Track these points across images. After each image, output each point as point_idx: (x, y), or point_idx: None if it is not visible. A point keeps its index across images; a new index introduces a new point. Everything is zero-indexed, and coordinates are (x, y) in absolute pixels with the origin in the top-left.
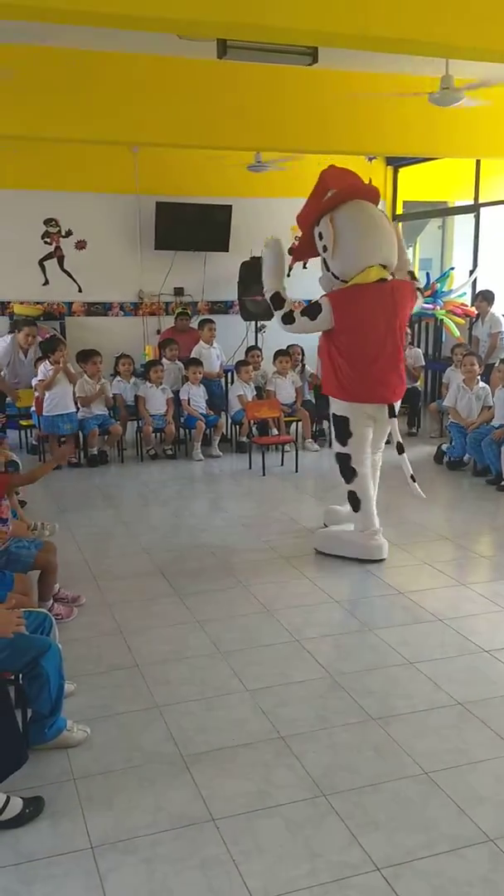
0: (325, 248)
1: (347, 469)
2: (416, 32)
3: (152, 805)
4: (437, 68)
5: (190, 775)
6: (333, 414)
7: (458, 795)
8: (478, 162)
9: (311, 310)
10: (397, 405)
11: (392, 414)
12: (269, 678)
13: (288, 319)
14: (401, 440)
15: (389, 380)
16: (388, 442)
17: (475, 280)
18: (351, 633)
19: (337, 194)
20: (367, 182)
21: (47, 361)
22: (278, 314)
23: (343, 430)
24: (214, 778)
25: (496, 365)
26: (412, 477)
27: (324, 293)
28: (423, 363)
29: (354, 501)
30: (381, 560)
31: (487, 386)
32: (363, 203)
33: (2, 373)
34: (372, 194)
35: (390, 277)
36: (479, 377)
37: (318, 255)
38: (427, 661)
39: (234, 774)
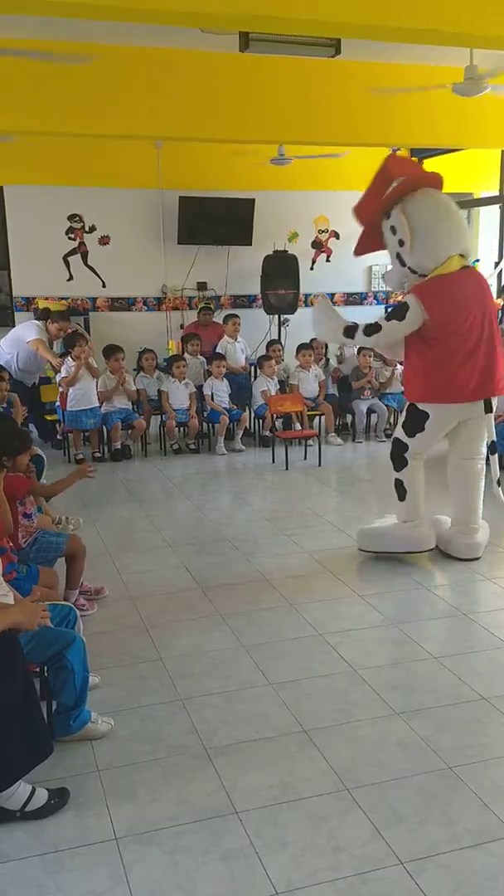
0: (401, 243)
1: (399, 458)
2: (440, 22)
3: (176, 797)
4: (462, 58)
5: (213, 768)
6: (414, 404)
7: (481, 790)
8: (503, 152)
9: (399, 311)
10: (495, 401)
11: (489, 409)
12: (292, 672)
13: (373, 329)
14: (495, 439)
15: (492, 371)
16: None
17: (501, 272)
18: (374, 627)
19: (406, 182)
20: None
21: (69, 357)
22: (359, 335)
23: (417, 423)
24: (237, 771)
25: None
26: (498, 481)
27: (405, 290)
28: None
29: (400, 490)
30: (431, 550)
31: None
32: (433, 191)
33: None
34: (438, 182)
35: (470, 265)
36: None
37: (380, 248)
38: (451, 655)
39: (258, 767)
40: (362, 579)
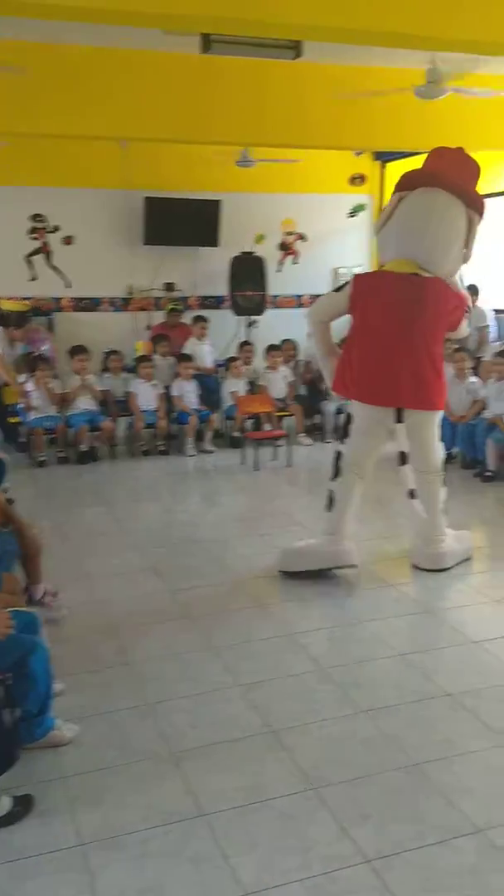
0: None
1: (336, 466)
2: (402, 25)
3: (143, 802)
4: (423, 61)
5: (181, 771)
6: (344, 407)
7: (447, 786)
8: None
9: (340, 286)
10: (422, 417)
11: (398, 419)
12: (261, 673)
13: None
14: (405, 450)
15: (397, 382)
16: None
17: (461, 275)
18: (342, 625)
19: (416, 176)
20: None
21: (30, 377)
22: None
23: (345, 426)
24: (206, 773)
25: (485, 359)
26: (411, 493)
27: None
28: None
29: (329, 500)
30: (352, 566)
31: (478, 380)
32: (433, 193)
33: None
34: (449, 182)
35: (427, 275)
36: (468, 371)
37: None
38: (417, 652)
39: (226, 769)
40: (332, 579)
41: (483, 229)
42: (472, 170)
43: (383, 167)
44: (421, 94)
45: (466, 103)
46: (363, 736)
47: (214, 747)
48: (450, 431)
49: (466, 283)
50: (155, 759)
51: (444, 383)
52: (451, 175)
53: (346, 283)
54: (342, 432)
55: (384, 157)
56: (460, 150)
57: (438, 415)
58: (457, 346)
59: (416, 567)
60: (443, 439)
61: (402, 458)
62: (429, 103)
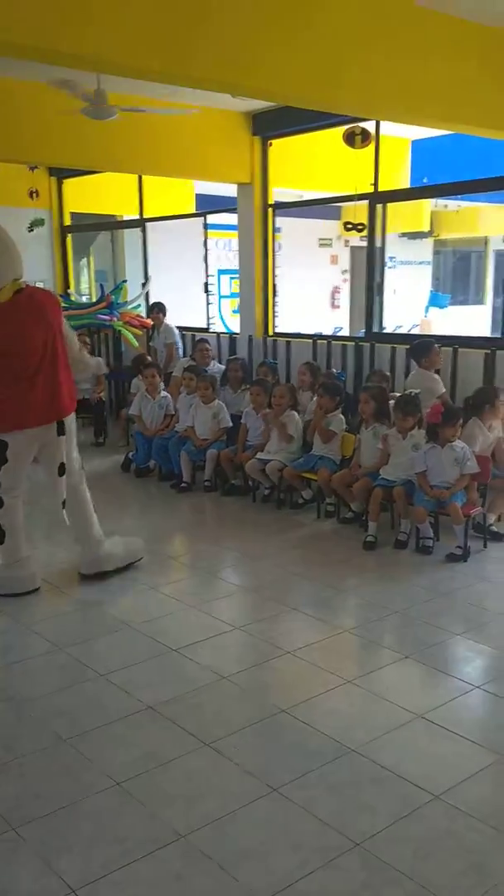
0: None
1: None
2: (62, 43)
3: None
4: (94, 80)
5: None
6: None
7: (149, 799)
8: (140, 178)
9: None
10: (69, 421)
11: (61, 432)
12: None
13: None
14: (64, 461)
15: (57, 393)
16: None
17: (147, 292)
18: (39, 655)
19: None
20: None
21: None
22: None
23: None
24: None
25: (175, 374)
26: (63, 503)
27: None
28: (106, 371)
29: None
30: (34, 591)
31: (169, 395)
32: None
33: None
34: None
35: (24, 285)
36: (160, 387)
37: None
38: (118, 669)
39: None
40: (26, 606)
41: (169, 251)
42: None
43: (60, 183)
44: (88, 114)
45: (138, 126)
46: (65, 765)
47: None
48: (146, 445)
49: (153, 301)
50: None
51: None
52: None
53: None
54: None
55: (60, 174)
56: None
57: None
58: (147, 362)
59: (81, 574)
60: (138, 453)
61: (62, 469)
62: (98, 123)
